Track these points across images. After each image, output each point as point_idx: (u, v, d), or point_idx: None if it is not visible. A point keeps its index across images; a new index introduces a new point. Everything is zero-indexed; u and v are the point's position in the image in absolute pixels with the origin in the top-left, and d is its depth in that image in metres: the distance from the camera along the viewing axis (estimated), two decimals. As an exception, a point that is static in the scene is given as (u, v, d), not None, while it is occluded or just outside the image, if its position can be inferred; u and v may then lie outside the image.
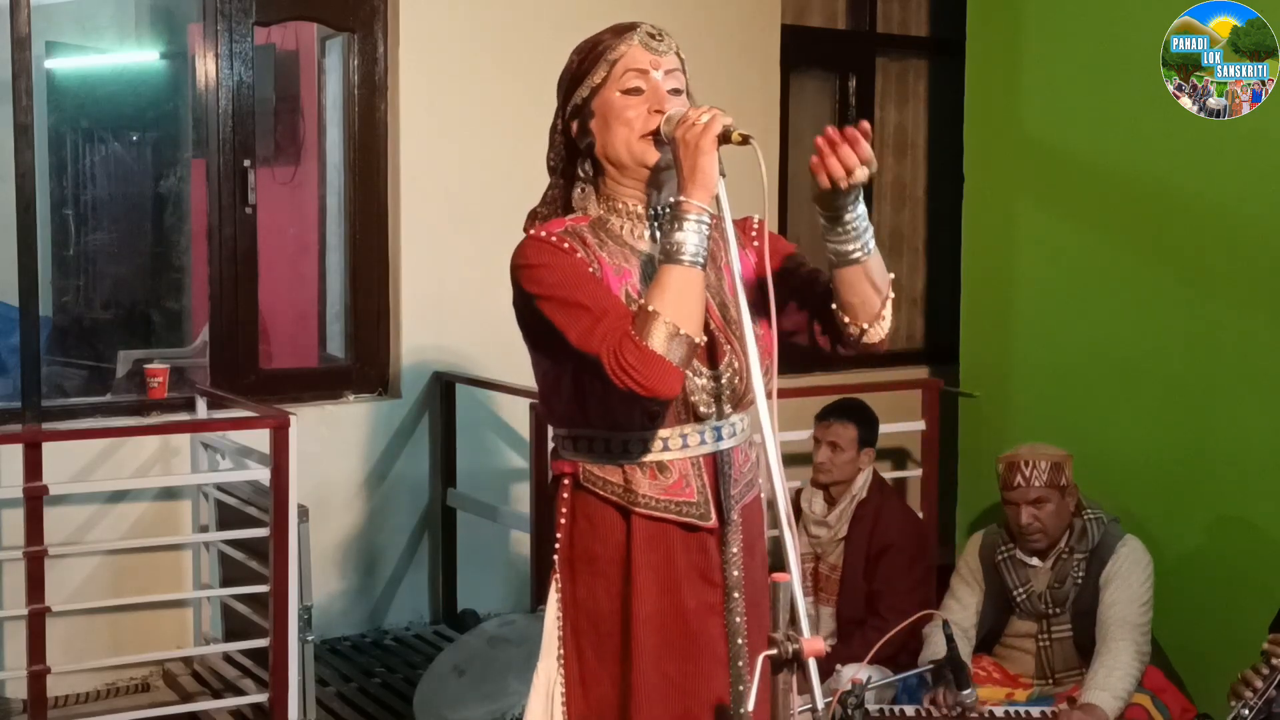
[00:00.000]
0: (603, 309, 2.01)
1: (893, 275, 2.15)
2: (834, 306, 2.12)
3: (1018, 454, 3.75)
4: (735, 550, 2.18)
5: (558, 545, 2.18)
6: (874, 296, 2.11)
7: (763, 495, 2.26)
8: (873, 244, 2.08)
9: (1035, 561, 3.73)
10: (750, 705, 1.86)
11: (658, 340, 1.94)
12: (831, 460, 4.10)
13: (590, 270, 2.07)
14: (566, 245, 2.08)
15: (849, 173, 1.94)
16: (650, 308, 1.95)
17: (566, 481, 2.17)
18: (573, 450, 2.16)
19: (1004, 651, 3.83)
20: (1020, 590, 3.75)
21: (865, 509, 4.09)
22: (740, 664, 2.18)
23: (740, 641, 2.19)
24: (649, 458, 2.11)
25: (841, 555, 4.09)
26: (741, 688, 2.18)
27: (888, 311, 2.15)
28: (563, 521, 2.17)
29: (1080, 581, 3.68)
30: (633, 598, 2.12)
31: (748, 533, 2.21)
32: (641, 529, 2.12)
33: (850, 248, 2.05)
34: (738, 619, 2.18)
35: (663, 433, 2.11)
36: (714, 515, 2.14)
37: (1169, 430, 4.18)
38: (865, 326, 2.13)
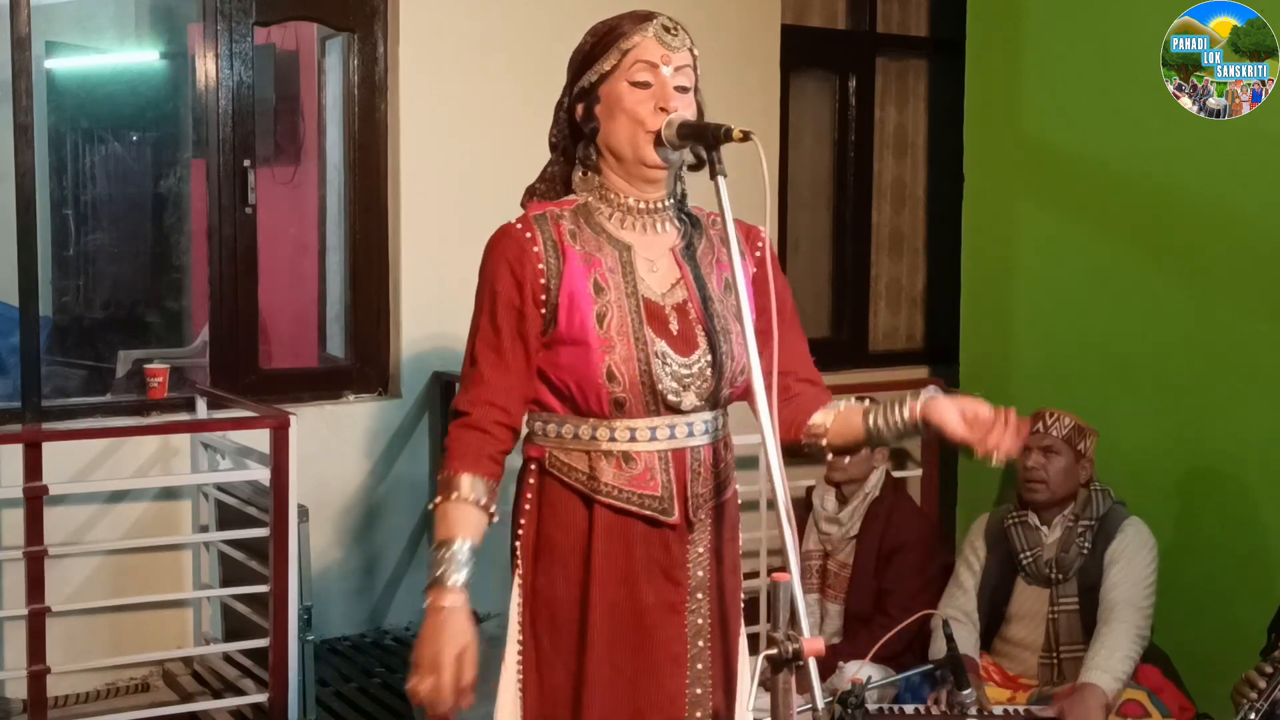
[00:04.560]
0: (480, 377, 2.12)
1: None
2: (816, 419, 2.23)
3: (1049, 407, 3.81)
4: (701, 550, 2.17)
5: (520, 532, 2.18)
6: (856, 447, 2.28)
7: (765, 496, 2.26)
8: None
9: (1042, 528, 3.76)
10: (750, 707, 1.86)
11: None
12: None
13: (514, 314, 2.11)
14: (534, 249, 2.11)
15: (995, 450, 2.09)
16: (439, 500, 2.12)
17: (533, 467, 2.17)
18: (542, 435, 2.17)
19: (1004, 647, 3.83)
20: (1028, 554, 3.77)
21: (879, 508, 4.10)
22: (700, 666, 2.17)
23: (701, 644, 2.18)
24: (616, 447, 2.11)
25: (852, 553, 4.10)
26: (700, 690, 2.17)
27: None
28: (527, 508, 2.17)
29: (1086, 552, 3.70)
30: (590, 587, 2.12)
31: (717, 535, 2.20)
32: (603, 518, 2.11)
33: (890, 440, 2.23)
34: (700, 620, 2.17)
35: (631, 423, 2.11)
36: (677, 511, 2.13)
37: (1168, 429, 4.18)
38: (823, 444, 2.24)
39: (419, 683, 2.06)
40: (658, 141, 2.10)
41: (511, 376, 2.12)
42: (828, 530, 4.15)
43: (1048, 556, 3.74)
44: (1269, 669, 2.91)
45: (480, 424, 2.11)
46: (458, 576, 2.07)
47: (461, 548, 2.08)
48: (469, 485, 2.08)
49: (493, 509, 2.12)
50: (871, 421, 2.17)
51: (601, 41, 2.15)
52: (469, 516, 2.09)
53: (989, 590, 3.84)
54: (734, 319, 2.16)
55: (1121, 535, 3.70)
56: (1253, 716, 2.84)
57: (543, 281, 2.10)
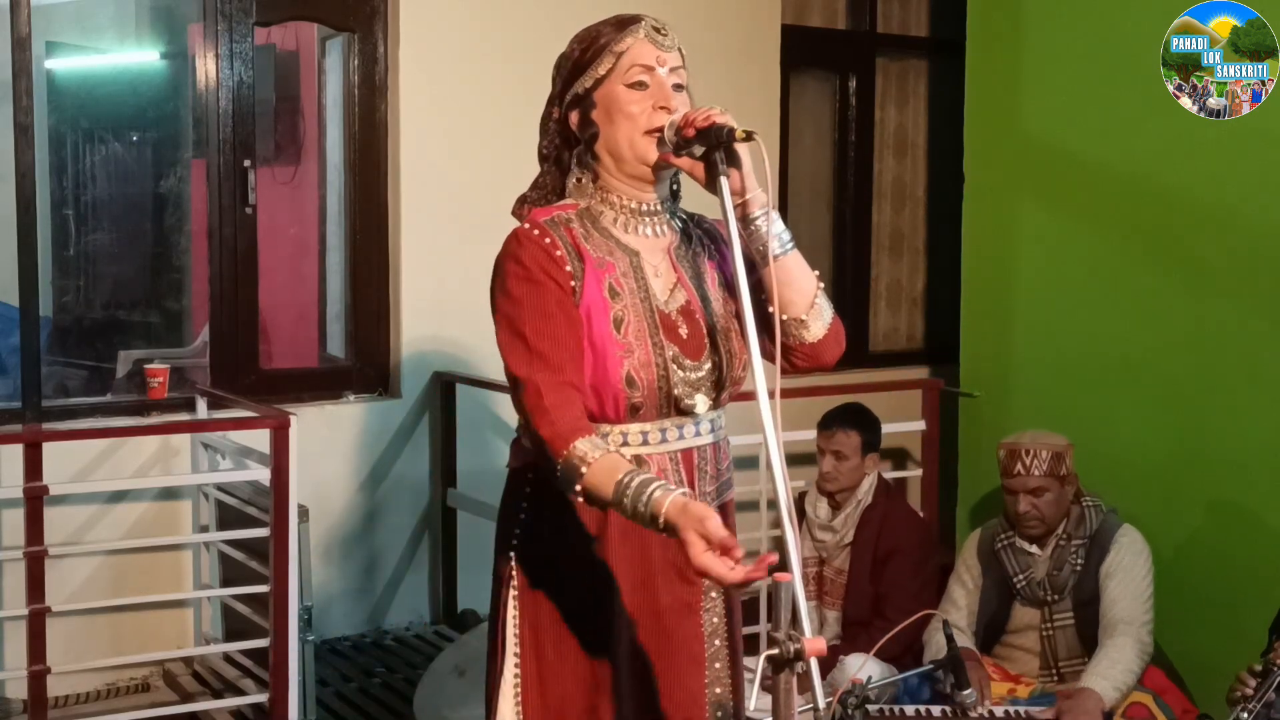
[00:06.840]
0: (540, 352, 1.99)
1: (817, 271, 2.18)
2: (770, 309, 2.07)
3: (1019, 442, 3.78)
4: None
5: (516, 541, 2.14)
6: (805, 285, 2.13)
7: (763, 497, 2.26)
8: (790, 243, 2.11)
9: (1034, 549, 3.75)
10: (751, 706, 1.85)
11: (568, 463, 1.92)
12: (837, 469, 4.08)
13: (556, 299, 2.03)
14: (557, 253, 2.06)
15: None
16: (583, 471, 1.90)
17: (531, 475, 2.13)
18: None
19: (1004, 651, 3.83)
20: (1020, 577, 3.76)
21: (871, 514, 4.07)
22: (718, 665, 2.17)
23: (719, 643, 2.17)
24: (628, 451, 2.08)
25: (847, 559, 4.08)
26: (720, 690, 2.17)
27: (821, 302, 2.16)
28: (523, 518, 2.14)
29: (1079, 569, 3.70)
30: (606, 593, 2.10)
31: None
32: (618, 523, 2.08)
33: (771, 244, 2.07)
34: (715, 619, 2.17)
35: (644, 426, 2.09)
36: None
37: (1169, 429, 4.18)
38: (802, 317, 2.13)
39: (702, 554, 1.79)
40: (660, 140, 2.10)
41: (575, 354, 2.02)
42: (822, 538, 4.14)
43: (1039, 576, 3.74)
44: (1259, 668, 2.91)
45: (565, 402, 1.97)
46: (663, 490, 1.85)
47: (643, 473, 1.89)
48: (594, 444, 1.92)
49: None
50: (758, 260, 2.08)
51: (592, 47, 2.13)
52: (619, 461, 1.92)
53: (987, 614, 3.83)
54: (731, 317, 2.17)
55: (1116, 548, 3.68)
56: (1245, 717, 2.84)
57: (572, 284, 2.06)
